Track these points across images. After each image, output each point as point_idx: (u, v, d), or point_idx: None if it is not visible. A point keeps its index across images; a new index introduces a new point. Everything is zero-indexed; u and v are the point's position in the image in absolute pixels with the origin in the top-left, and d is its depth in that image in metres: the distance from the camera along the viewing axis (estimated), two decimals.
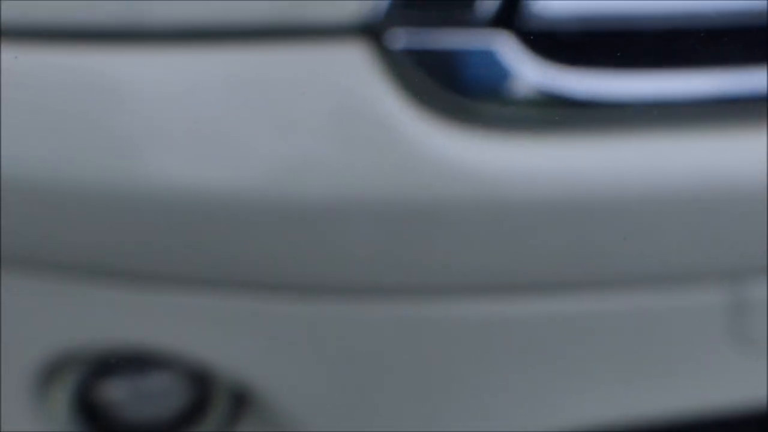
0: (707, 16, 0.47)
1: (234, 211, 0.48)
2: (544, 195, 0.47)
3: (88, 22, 0.51)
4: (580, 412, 0.55)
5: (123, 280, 0.55)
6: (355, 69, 0.47)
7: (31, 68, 0.51)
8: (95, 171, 0.49)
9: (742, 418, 0.59)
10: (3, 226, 0.54)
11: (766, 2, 0.48)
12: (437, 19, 0.47)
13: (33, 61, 0.52)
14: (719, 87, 0.49)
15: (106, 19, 0.50)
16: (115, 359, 0.66)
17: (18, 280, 0.57)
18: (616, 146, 0.48)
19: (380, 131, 0.46)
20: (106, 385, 0.67)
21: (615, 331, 0.51)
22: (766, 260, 0.50)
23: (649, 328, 0.52)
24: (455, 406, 0.54)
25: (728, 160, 0.49)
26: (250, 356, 0.55)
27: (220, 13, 0.47)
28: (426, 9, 0.47)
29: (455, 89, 0.47)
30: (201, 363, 0.58)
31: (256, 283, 0.51)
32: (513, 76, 0.47)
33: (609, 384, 0.53)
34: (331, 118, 0.47)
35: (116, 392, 0.67)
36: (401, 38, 0.47)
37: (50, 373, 0.64)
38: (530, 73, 0.47)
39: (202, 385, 0.70)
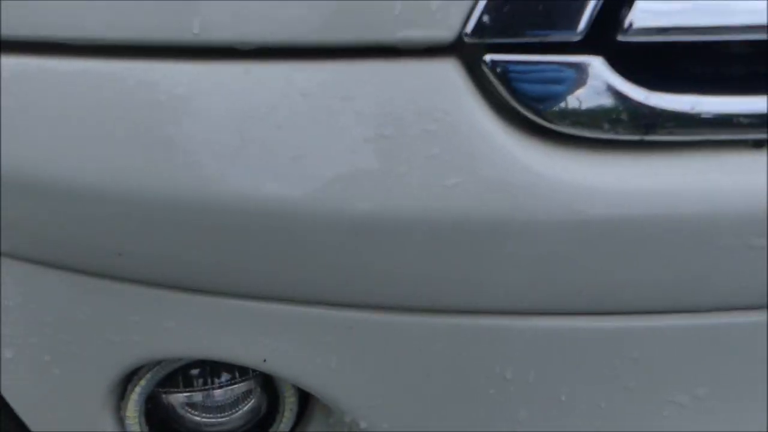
0: None
1: (324, 226, 0.48)
2: (634, 212, 0.47)
3: (173, 37, 0.52)
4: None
5: (200, 294, 0.56)
6: (445, 86, 0.47)
7: (105, 81, 0.52)
8: (172, 184, 0.50)
9: None
10: (88, 238, 0.55)
11: None
12: (527, 37, 0.47)
13: (108, 74, 0.53)
14: None
15: (192, 34, 0.51)
16: (188, 368, 0.67)
17: (101, 290, 0.58)
18: (706, 164, 0.48)
19: (471, 148, 0.46)
20: (178, 393, 0.68)
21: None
22: None
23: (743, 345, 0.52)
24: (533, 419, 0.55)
25: None
26: (317, 363, 0.56)
27: (313, 30, 0.48)
28: (516, 27, 0.47)
29: (543, 106, 0.48)
30: (271, 371, 0.59)
31: (341, 300, 0.52)
32: (602, 93, 0.47)
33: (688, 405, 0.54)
34: (421, 135, 0.47)
35: (187, 399, 0.69)
36: (490, 55, 0.48)
37: (126, 380, 0.66)
38: (620, 90, 0.47)
39: (270, 392, 0.71)
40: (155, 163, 0.50)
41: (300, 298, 0.52)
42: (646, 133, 0.48)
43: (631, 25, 0.48)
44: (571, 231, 0.48)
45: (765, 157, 0.50)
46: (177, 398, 0.69)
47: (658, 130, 0.48)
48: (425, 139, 0.47)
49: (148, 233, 0.52)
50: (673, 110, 0.48)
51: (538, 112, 0.48)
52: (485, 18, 0.47)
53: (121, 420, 0.68)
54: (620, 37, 0.48)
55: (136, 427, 0.68)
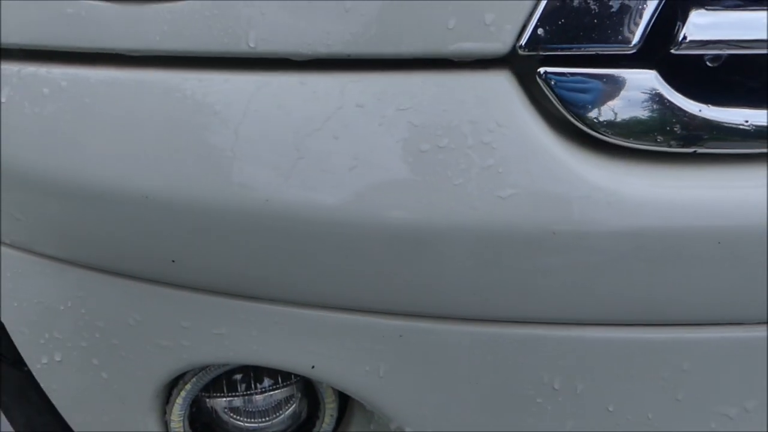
0: None
1: (378, 235, 0.49)
2: (688, 224, 0.47)
3: (229, 49, 0.53)
4: None
5: (252, 300, 0.56)
6: (499, 98, 0.48)
7: (162, 91, 0.53)
8: (227, 193, 0.51)
9: None
10: (143, 245, 0.56)
11: None
12: (581, 50, 0.48)
13: (165, 84, 0.54)
14: None
15: (248, 46, 0.52)
16: (231, 372, 0.68)
17: (153, 296, 0.59)
18: (760, 177, 0.48)
19: (526, 160, 0.47)
20: (221, 398, 0.69)
21: None
22: None
23: None
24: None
25: None
26: (365, 370, 0.56)
27: (368, 42, 0.49)
28: (570, 40, 0.48)
29: (596, 118, 0.48)
30: (319, 378, 0.59)
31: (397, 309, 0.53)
32: (656, 106, 0.47)
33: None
34: (476, 146, 0.47)
35: (230, 404, 0.69)
36: (545, 68, 0.48)
37: (172, 384, 0.67)
38: (674, 103, 0.47)
39: (311, 397, 0.72)
40: (210, 172, 0.51)
41: (351, 306, 0.53)
42: (700, 145, 0.49)
43: (684, 38, 0.48)
44: (625, 242, 0.48)
45: None
46: (220, 403, 0.70)
47: (712, 143, 0.49)
48: (480, 150, 0.48)
49: (202, 241, 0.53)
50: (727, 123, 0.49)
51: (591, 124, 0.49)
52: (540, 31, 0.48)
53: (165, 423, 0.69)
54: (674, 50, 0.48)
55: (180, 431, 0.69)
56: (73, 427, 0.76)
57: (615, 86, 0.49)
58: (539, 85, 0.49)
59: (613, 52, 0.48)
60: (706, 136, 0.48)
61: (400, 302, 0.52)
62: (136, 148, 0.53)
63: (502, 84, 0.49)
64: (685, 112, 0.48)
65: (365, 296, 0.52)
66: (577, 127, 0.49)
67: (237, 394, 0.68)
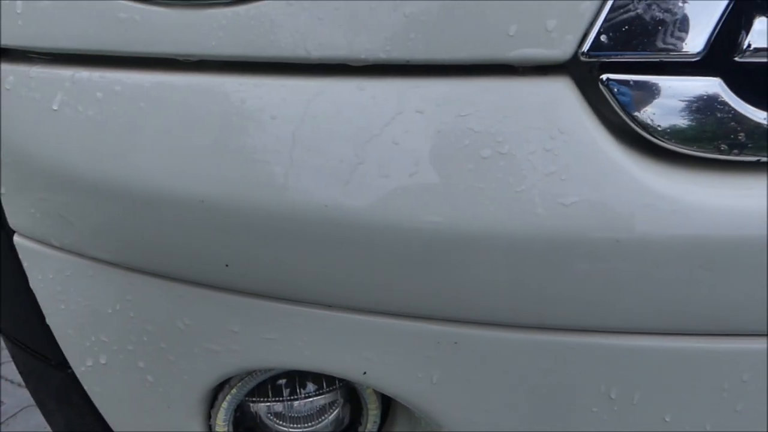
0: None
1: (439, 241, 0.49)
2: (755, 233, 0.46)
3: (286, 54, 0.53)
4: None
5: (305, 306, 0.56)
6: (560, 104, 0.48)
7: (219, 96, 0.53)
8: (284, 198, 0.51)
9: None
10: (197, 249, 0.56)
11: None
12: (644, 57, 0.48)
13: (221, 90, 0.54)
14: None
15: (305, 51, 0.52)
16: (275, 377, 0.68)
17: (204, 300, 0.59)
18: None
19: (589, 167, 0.46)
20: (265, 402, 0.69)
21: None
22: None
23: None
24: None
25: None
26: (418, 377, 0.56)
27: (427, 48, 0.49)
28: (633, 47, 0.47)
29: (659, 126, 0.48)
30: (370, 384, 0.59)
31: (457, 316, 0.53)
32: (720, 114, 0.47)
33: None
34: (538, 153, 0.47)
35: (274, 409, 0.69)
36: (608, 74, 0.48)
37: (217, 388, 0.67)
38: (739, 111, 0.47)
39: (354, 403, 0.72)
40: (267, 177, 0.51)
41: (406, 312, 0.53)
42: (764, 154, 0.48)
43: (749, 45, 0.47)
44: (688, 251, 0.47)
45: None
46: (263, 407, 0.69)
47: None
48: (542, 157, 0.47)
49: (257, 245, 0.53)
50: None
51: (653, 132, 0.48)
52: (602, 37, 0.48)
53: (209, 427, 0.69)
54: (738, 58, 0.48)
55: None
56: (114, 429, 0.76)
57: (678, 94, 0.48)
58: (599, 91, 0.48)
59: (678, 59, 0.48)
60: None
61: (457, 309, 0.51)
62: (192, 152, 0.53)
63: (563, 90, 0.49)
64: (749, 120, 0.48)
65: (422, 302, 0.52)
66: (638, 134, 0.48)
67: (282, 398, 0.68)
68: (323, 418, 0.70)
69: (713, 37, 0.47)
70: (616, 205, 0.47)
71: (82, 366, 0.71)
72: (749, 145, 0.48)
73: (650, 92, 0.48)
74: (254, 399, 0.68)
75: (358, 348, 0.55)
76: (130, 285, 0.62)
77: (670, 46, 0.48)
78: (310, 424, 0.70)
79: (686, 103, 0.48)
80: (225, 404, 0.66)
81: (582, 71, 0.49)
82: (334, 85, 0.51)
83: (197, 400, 0.66)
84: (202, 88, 0.54)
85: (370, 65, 0.51)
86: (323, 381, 0.68)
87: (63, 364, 0.73)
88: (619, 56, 0.48)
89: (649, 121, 0.48)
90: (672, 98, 0.48)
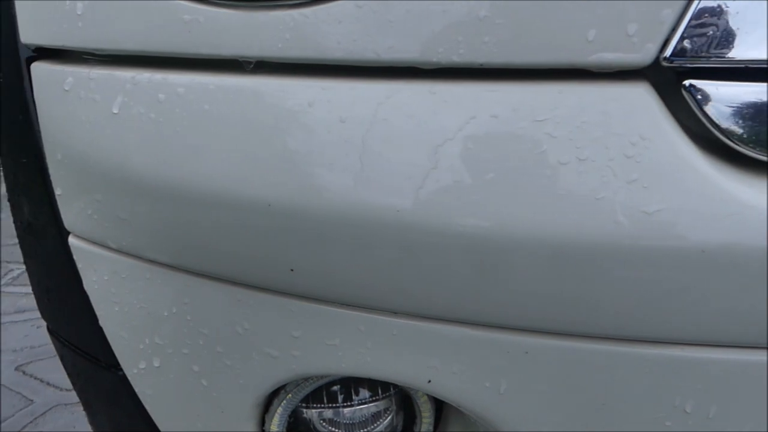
0: None
1: (518, 250, 0.48)
2: None
3: (356, 57, 0.52)
4: None
5: (370, 312, 0.55)
6: (640, 110, 0.46)
7: (286, 99, 0.53)
8: (356, 202, 0.50)
9: None
10: (263, 253, 0.56)
11: None
12: (728, 63, 0.46)
13: (286, 92, 0.53)
14: None
15: (375, 54, 0.51)
16: (330, 384, 0.67)
17: (265, 304, 0.58)
18: None
19: (672, 175, 0.45)
20: (319, 409, 0.68)
21: None
22: None
23: None
24: None
25: None
26: (485, 386, 0.55)
27: (503, 52, 0.48)
28: (717, 52, 0.46)
29: (743, 133, 0.46)
30: (434, 392, 0.58)
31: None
32: None
33: None
34: (619, 159, 0.46)
35: (327, 415, 0.69)
36: (690, 80, 0.47)
37: (274, 394, 0.66)
38: None
39: (407, 411, 0.71)
40: (336, 181, 0.51)
41: (476, 320, 0.52)
42: None
43: None
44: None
45: None
46: (317, 413, 0.69)
47: None
48: (623, 163, 0.46)
49: (325, 250, 0.52)
50: None
51: (738, 139, 0.47)
52: (686, 42, 0.46)
53: None
54: None
55: None
56: None
57: (763, 101, 0.47)
58: (680, 97, 0.47)
59: (762, 65, 0.46)
60: None
61: (530, 319, 0.50)
62: (259, 155, 0.53)
63: (643, 96, 0.47)
64: None
65: (493, 311, 0.51)
66: (720, 141, 0.47)
67: (336, 405, 0.67)
68: (376, 424, 0.69)
69: None
70: (701, 214, 0.45)
71: (134, 368, 0.71)
72: None
73: (734, 99, 0.47)
74: (308, 405, 0.68)
75: (423, 356, 0.55)
76: (188, 288, 0.62)
77: (755, 52, 0.46)
78: (363, 430, 0.69)
79: (762, 109, 0.47)
80: (280, 410, 0.65)
81: (663, 76, 0.48)
82: (404, 89, 0.51)
83: (252, 405, 0.65)
84: (267, 91, 0.54)
85: (442, 68, 0.50)
86: (378, 387, 0.67)
87: (114, 365, 0.73)
88: (702, 62, 0.47)
89: (733, 129, 0.47)
90: (757, 105, 0.47)
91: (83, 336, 0.76)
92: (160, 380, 0.69)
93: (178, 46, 0.57)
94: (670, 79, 0.48)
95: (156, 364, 0.68)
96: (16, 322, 2.37)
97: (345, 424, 0.69)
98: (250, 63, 0.56)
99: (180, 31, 0.57)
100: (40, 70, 0.67)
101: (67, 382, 2.03)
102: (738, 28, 0.46)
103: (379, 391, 0.67)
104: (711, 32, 0.46)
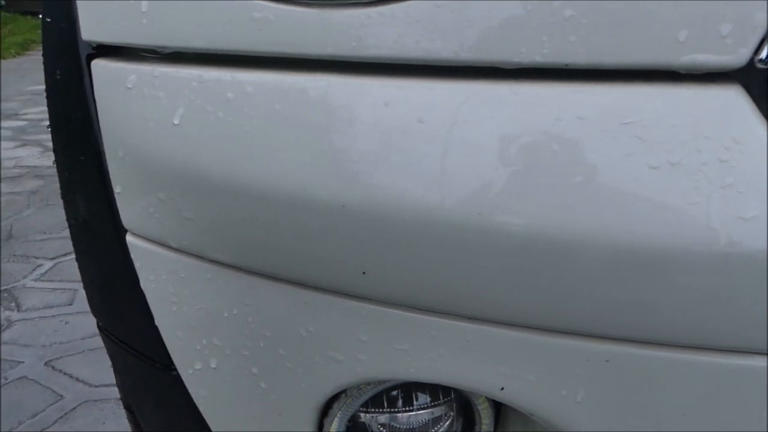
0: None
1: (591, 253, 0.46)
2: None
3: (437, 56, 0.51)
4: None
5: (442, 317, 0.54)
6: (732, 113, 0.45)
7: (353, 98, 0.52)
8: (429, 203, 0.49)
9: None
10: (334, 255, 0.55)
11: None
12: None
13: (357, 91, 0.52)
14: None
15: (453, 53, 0.50)
16: (391, 389, 0.66)
17: (331, 307, 0.58)
18: None
19: (765, 176, 0.44)
20: (377, 413, 0.67)
21: None
22: None
23: None
24: None
25: None
26: (561, 395, 0.54)
27: (589, 52, 0.47)
28: None
29: None
30: (506, 400, 0.57)
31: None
32: None
33: None
34: (712, 164, 0.45)
35: (385, 420, 0.68)
36: None
37: (334, 398, 0.65)
38: None
39: (466, 413, 0.70)
40: (415, 183, 0.50)
41: (555, 327, 0.51)
42: None
43: None
44: None
45: None
46: (374, 418, 0.68)
47: None
48: (717, 168, 0.45)
49: (401, 253, 0.51)
50: None
51: None
52: None
53: None
54: None
55: None
56: None
57: None
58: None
59: None
60: None
61: (613, 325, 0.49)
62: (333, 156, 0.52)
63: (735, 98, 0.46)
64: None
65: (574, 317, 0.50)
66: None
67: (396, 410, 0.66)
68: (436, 429, 0.68)
69: None
70: None
71: (189, 369, 0.70)
72: None
73: None
74: (367, 409, 0.67)
75: (497, 362, 0.53)
76: (251, 289, 0.61)
77: None
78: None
79: None
80: (340, 414, 0.65)
81: (756, 79, 0.46)
82: (485, 89, 0.50)
83: (312, 409, 0.64)
84: (342, 91, 0.53)
85: (524, 69, 0.49)
86: (438, 392, 0.66)
87: (168, 365, 0.73)
88: None
89: None
90: None
91: (137, 335, 0.75)
92: (216, 381, 0.69)
93: (247, 44, 0.56)
94: (763, 82, 0.46)
95: (213, 365, 0.68)
96: (45, 317, 2.39)
97: (404, 429, 0.68)
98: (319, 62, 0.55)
99: (249, 29, 0.56)
100: (100, 67, 0.67)
101: (96, 378, 2.05)
102: None
103: (440, 396, 0.66)
104: None
